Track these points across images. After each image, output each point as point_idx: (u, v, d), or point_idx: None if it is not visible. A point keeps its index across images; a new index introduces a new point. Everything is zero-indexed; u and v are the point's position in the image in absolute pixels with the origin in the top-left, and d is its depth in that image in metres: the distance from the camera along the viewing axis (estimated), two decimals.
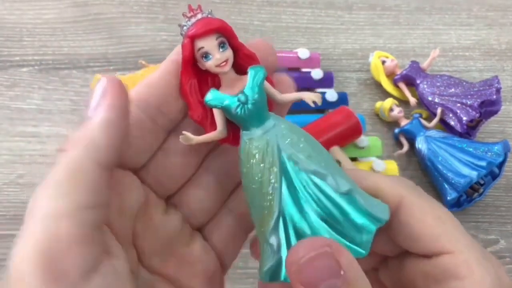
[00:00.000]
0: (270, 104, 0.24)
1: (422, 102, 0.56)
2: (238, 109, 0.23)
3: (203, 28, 0.23)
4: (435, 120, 0.54)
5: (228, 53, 0.23)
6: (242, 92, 0.23)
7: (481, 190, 0.52)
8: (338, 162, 0.48)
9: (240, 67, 0.24)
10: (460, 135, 0.53)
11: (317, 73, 0.56)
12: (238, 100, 0.23)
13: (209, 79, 0.24)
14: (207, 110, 0.24)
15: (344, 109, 0.52)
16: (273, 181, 0.22)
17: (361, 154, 0.52)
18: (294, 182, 0.22)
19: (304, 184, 0.22)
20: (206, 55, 0.23)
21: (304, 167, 0.22)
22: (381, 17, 0.65)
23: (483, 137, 0.56)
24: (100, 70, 0.56)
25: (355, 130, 0.50)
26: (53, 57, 0.57)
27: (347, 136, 0.50)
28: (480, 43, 0.65)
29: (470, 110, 0.52)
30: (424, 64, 0.58)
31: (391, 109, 0.55)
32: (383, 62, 0.58)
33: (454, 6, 0.67)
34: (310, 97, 0.24)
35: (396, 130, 0.55)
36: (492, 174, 0.51)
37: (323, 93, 0.55)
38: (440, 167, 0.51)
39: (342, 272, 0.20)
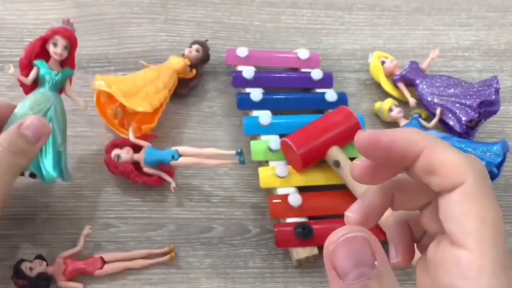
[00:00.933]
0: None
1: (421, 102, 0.56)
2: (47, 77, 0.45)
3: (66, 32, 0.45)
4: (434, 120, 0.54)
5: (66, 53, 0.46)
6: (56, 73, 0.45)
7: None
8: (338, 162, 0.48)
9: (64, 63, 0.47)
10: (459, 135, 0.53)
11: (316, 74, 0.56)
12: (51, 74, 0.45)
13: (47, 55, 0.46)
14: (31, 66, 0.45)
15: (343, 109, 0.52)
16: None
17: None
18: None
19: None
20: (55, 45, 0.45)
21: (53, 126, 0.44)
22: (381, 17, 0.66)
23: (482, 137, 0.57)
24: (101, 71, 0.57)
25: (355, 130, 0.50)
26: None
27: (347, 136, 0.50)
28: (479, 43, 0.65)
29: (469, 110, 0.52)
30: (424, 64, 0.58)
31: (390, 110, 0.56)
32: (383, 63, 0.59)
33: (453, 6, 0.67)
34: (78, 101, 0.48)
35: None
36: (491, 174, 0.51)
37: (323, 93, 0.55)
38: None
39: (376, 263, 0.19)
